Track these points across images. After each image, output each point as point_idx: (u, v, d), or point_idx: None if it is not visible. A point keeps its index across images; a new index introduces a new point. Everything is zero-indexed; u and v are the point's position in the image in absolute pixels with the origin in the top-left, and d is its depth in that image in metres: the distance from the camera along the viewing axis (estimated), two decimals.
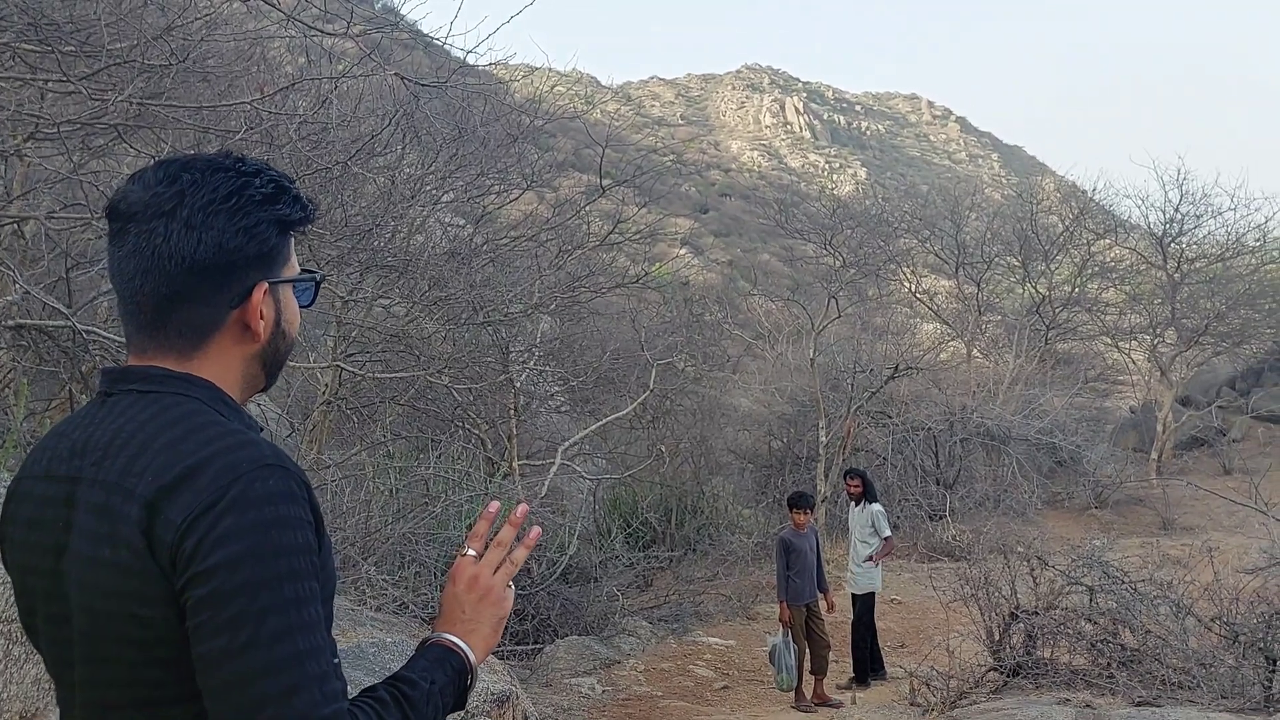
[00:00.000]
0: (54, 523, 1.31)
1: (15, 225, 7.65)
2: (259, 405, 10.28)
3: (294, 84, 7.40)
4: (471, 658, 1.46)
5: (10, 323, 6.76)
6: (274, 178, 1.40)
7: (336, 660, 1.26)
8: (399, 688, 1.34)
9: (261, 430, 1.39)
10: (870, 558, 8.96)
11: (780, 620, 8.12)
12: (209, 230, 1.32)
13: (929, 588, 10.10)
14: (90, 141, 7.45)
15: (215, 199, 1.33)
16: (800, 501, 8.36)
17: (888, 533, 9.01)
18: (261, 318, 1.39)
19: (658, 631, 10.31)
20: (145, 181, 1.36)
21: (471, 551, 1.55)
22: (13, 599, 1.44)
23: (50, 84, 5.58)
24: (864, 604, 8.94)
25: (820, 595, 8.26)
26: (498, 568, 1.53)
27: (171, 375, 1.34)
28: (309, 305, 1.50)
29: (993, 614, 7.47)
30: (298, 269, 1.47)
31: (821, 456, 16.07)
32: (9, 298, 7.02)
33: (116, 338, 6.76)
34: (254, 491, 1.21)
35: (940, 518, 16.53)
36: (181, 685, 1.24)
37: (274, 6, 4.86)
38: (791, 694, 8.12)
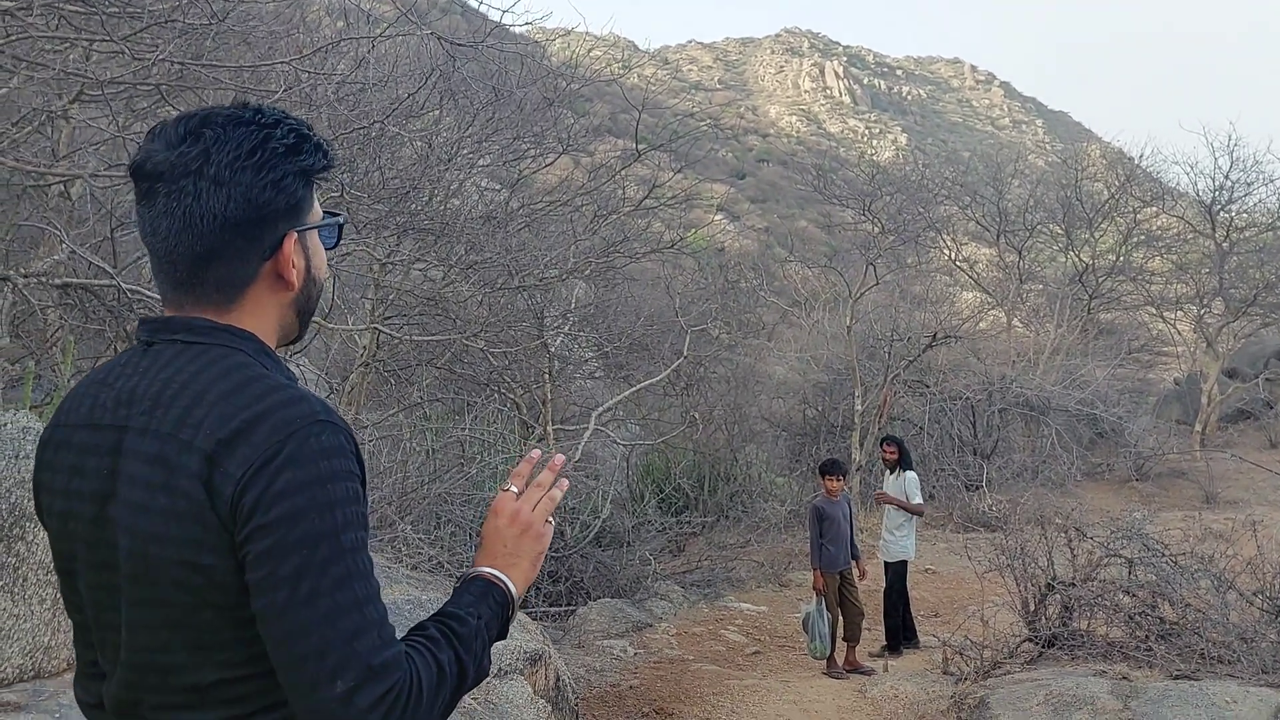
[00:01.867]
0: (97, 470, 1.33)
1: (62, 186, 7.73)
2: (298, 366, 10.38)
3: (332, 44, 7.39)
4: (513, 590, 1.49)
5: (57, 281, 6.86)
6: (293, 127, 1.40)
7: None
8: (448, 624, 1.38)
9: (297, 382, 1.41)
10: (902, 527, 8.90)
11: (814, 588, 8.12)
12: (237, 186, 1.33)
13: (964, 558, 10.06)
14: (134, 104, 7.51)
15: (240, 154, 1.34)
16: (832, 469, 8.34)
17: (918, 499, 8.97)
18: (293, 266, 1.41)
19: (689, 596, 10.36)
20: (168, 139, 1.36)
21: (514, 488, 1.58)
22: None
23: (94, 45, 5.62)
24: (897, 572, 8.92)
25: (853, 563, 8.25)
26: (536, 505, 1.56)
27: (216, 327, 1.36)
28: (333, 247, 1.52)
29: (1029, 585, 7.41)
30: (320, 213, 1.48)
31: (857, 425, 16.00)
32: (56, 257, 7.12)
33: (159, 297, 6.83)
34: (309, 447, 1.25)
35: (977, 488, 16.43)
36: (233, 630, 1.27)
37: None
38: (824, 661, 8.14)
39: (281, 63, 6.27)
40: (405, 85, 9.38)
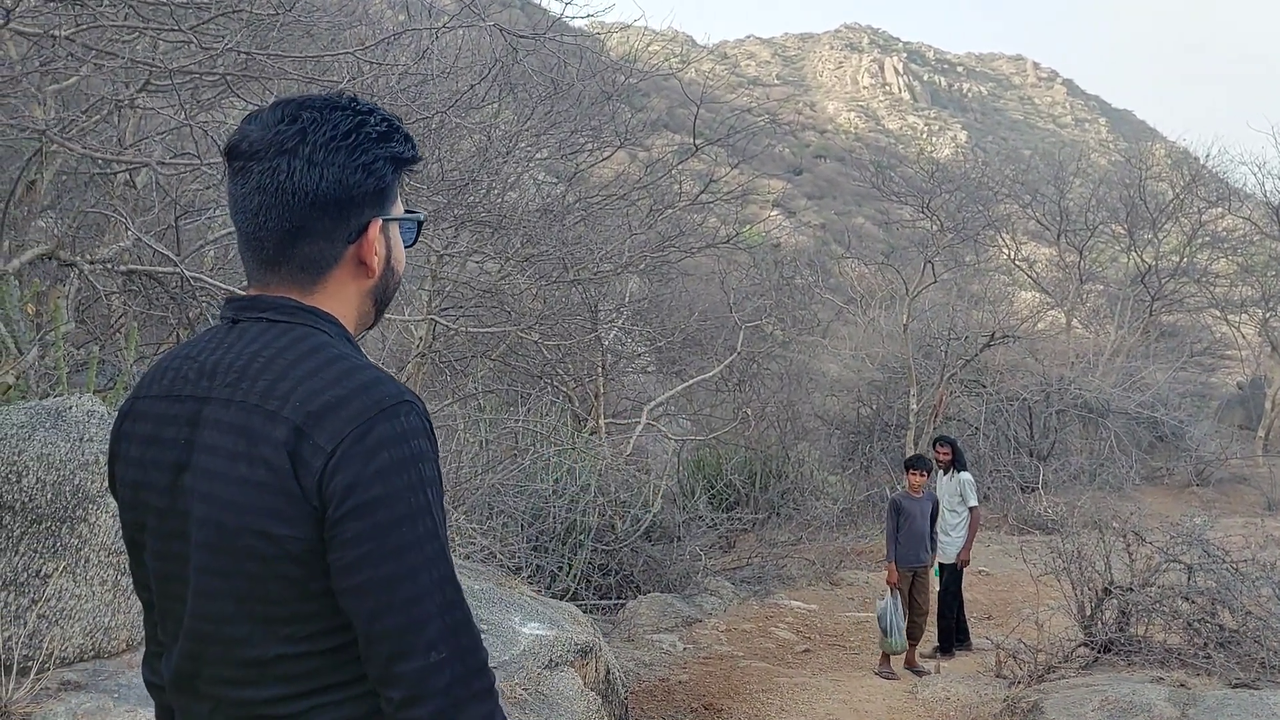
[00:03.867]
0: (174, 440, 1.36)
1: (127, 174, 7.89)
2: None
3: (394, 36, 7.47)
4: None
5: (122, 268, 7.01)
6: (386, 117, 1.43)
7: None
8: None
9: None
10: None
11: (888, 582, 8.07)
12: (331, 166, 1.36)
13: (1019, 560, 9.90)
14: (199, 94, 7.64)
15: (336, 135, 1.37)
16: (917, 464, 8.26)
17: (974, 502, 8.84)
18: (376, 254, 1.43)
19: (740, 593, 10.33)
20: (264, 121, 1.39)
21: None
22: (120, 530, 1.49)
23: (161, 34, 5.73)
24: (951, 573, 8.82)
25: (931, 555, 8.23)
26: None
27: (302, 307, 1.39)
28: (411, 245, 1.53)
29: (1085, 589, 7.28)
30: (403, 209, 1.50)
31: (912, 424, 15.85)
32: (121, 244, 7.27)
33: (222, 285, 6.96)
34: (399, 426, 1.29)
35: (1033, 490, 16.18)
36: (300, 603, 1.29)
37: None
38: (901, 656, 8.06)
39: (345, 54, 6.34)
40: (465, 78, 9.44)
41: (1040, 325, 24.16)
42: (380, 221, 1.43)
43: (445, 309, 11.98)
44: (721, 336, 15.51)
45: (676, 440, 14.30)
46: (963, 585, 9.03)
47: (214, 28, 5.62)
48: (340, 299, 1.43)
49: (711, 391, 16.46)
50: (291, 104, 1.40)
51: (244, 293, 1.43)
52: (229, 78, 5.55)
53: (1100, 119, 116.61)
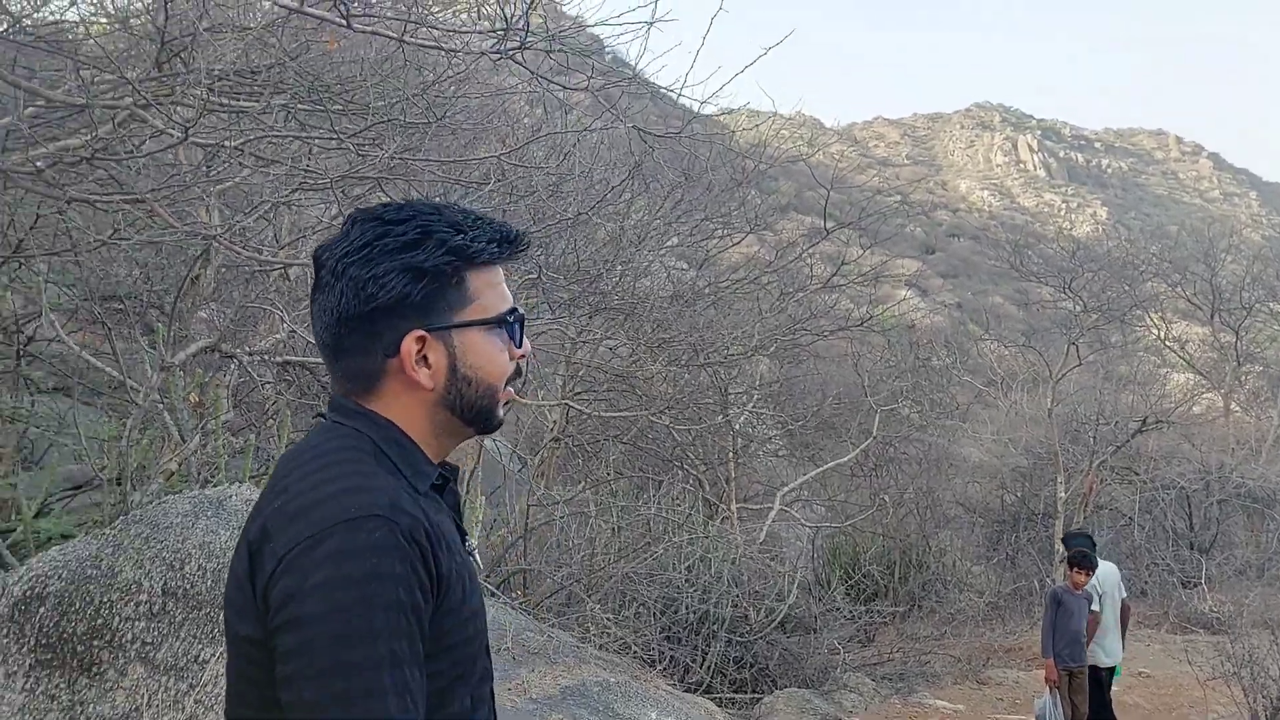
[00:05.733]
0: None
1: (283, 269, 8.32)
2: (493, 440, 10.69)
3: (535, 138, 7.73)
4: None
5: (278, 359, 7.36)
6: (423, 224, 1.35)
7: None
8: None
9: (441, 479, 1.40)
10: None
11: (1046, 680, 7.66)
12: (345, 281, 1.33)
13: (1182, 662, 9.27)
14: (349, 190, 8.04)
15: (351, 249, 1.34)
16: (1082, 562, 7.83)
17: (1095, 605, 8.24)
18: (429, 366, 1.36)
19: (881, 690, 9.93)
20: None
21: None
22: None
23: (318, 141, 6.05)
24: (1095, 678, 8.27)
25: (1083, 663, 7.77)
26: None
27: (358, 411, 1.36)
28: (519, 343, 1.43)
29: (1258, 696, 6.77)
30: (498, 307, 1.40)
31: (1060, 513, 15.16)
32: (277, 336, 7.65)
33: None
34: (359, 540, 1.19)
35: (1194, 585, 15.18)
36: (261, 707, 1.26)
37: (521, 64, 5.09)
38: None
39: (488, 157, 6.58)
40: (600, 172, 9.69)
41: (1196, 409, 22.93)
42: (421, 333, 1.34)
43: (578, 393, 12.13)
44: (856, 420, 15.24)
45: (811, 527, 14.02)
46: (1117, 689, 8.48)
47: (368, 132, 5.92)
48: (402, 408, 1.37)
49: (846, 477, 16.12)
50: (350, 218, 1.41)
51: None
52: (378, 179, 5.82)
53: (1250, 193, 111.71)
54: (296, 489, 1.26)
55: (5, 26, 4.76)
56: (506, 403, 1.45)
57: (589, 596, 7.54)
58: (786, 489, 13.72)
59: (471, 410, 1.40)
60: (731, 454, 13.47)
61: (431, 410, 1.38)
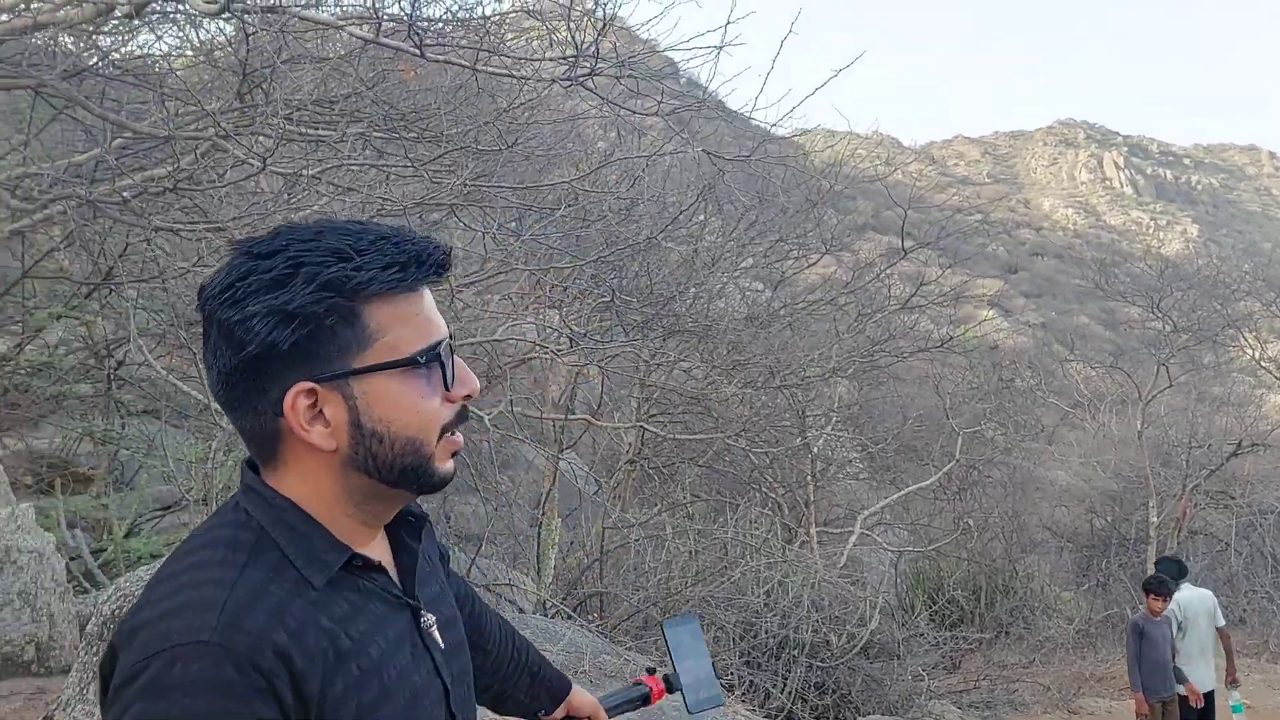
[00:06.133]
0: None
1: None
2: (568, 462, 10.73)
3: (607, 163, 7.80)
4: None
5: None
6: (294, 256, 1.11)
7: None
8: None
9: (359, 560, 1.17)
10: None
11: (1137, 715, 7.39)
12: (215, 327, 1.12)
13: None
14: (426, 215, 8.18)
15: (216, 290, 1.12)
16: (1157, 588, 7.55)
17: (1221, 621, 7.94)
18: (326, 423, 1.12)
19: (967, 717, 9.68)
20: None
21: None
22: None
23: (394, 168, 6.18)
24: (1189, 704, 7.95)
25: (1184, 685, 7.48)
26: None
27: (253, 488, 1.16)
28: (450, 383, 1.16)
29: None
30: (412, 344, 1.13)
31: (1153, 539, 14.66)
32: None
33: None
34: (169, 676, 1.01)
35: None
36: None
37: (592, 91, 5.12)
38: None
39: (561, 183, 6.65)
40: (673, 195, 9.71)
41: None
42: (307, 385, 1.10)
43: (653, 415, 12.12)
44: (938, 442, 15.00)
45: (893, 551, 13.78)
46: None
47: (446, 161, 6.02)
48: (302, 476, 1.15)
49: (929, 500, 15.84)
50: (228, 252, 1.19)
51: None
52: (452, 205, 5.91)
53: None
54: (145, 598, 1.08)
55: (96, 60, 4.95)
56: (455, 453, 1.20)
57: (664, 620, 7.49)
58: (867, 512, 13.53)
59: (392, 471, 1.15)
60: (810, 477, 13.33)
61: (341, 475, 1.14)
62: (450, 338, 1.19)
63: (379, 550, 1.23)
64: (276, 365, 1.10)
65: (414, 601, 1.24)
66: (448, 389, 1.16)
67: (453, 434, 1.18)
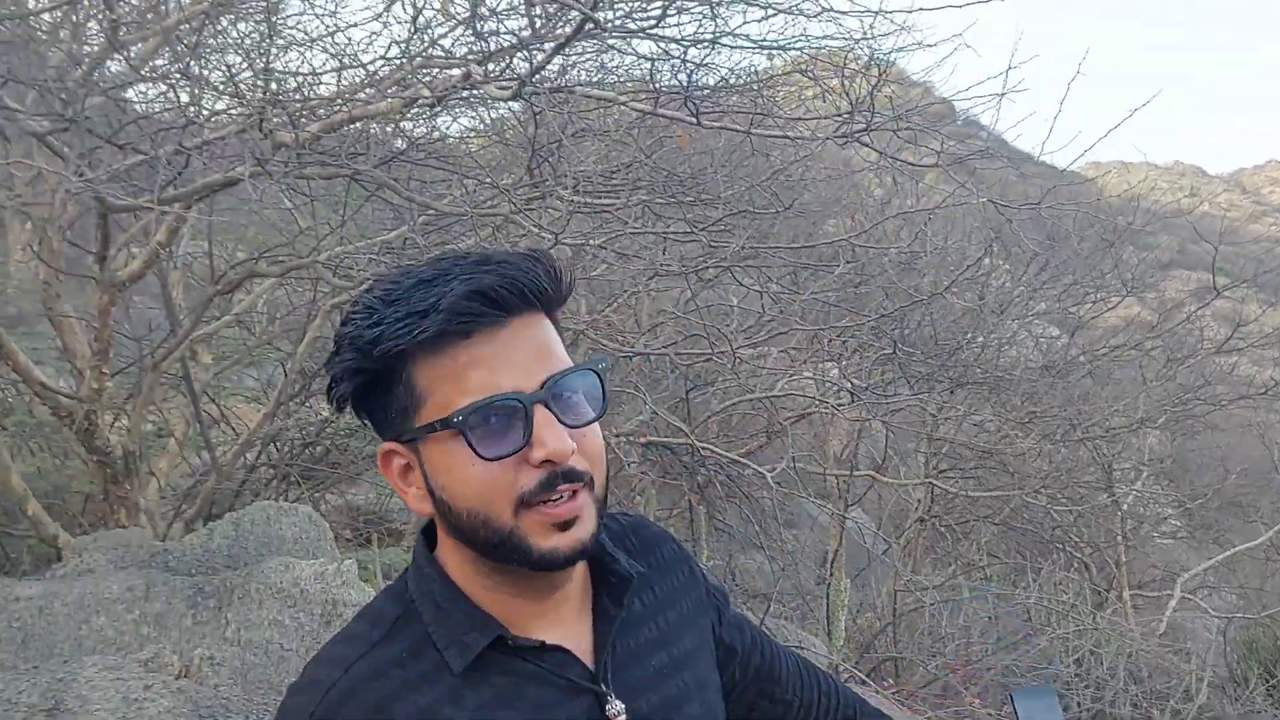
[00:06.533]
0: None
1: (645, 355, 8.78)
2: (854, 520, 10.54)
3: (884, 219, 7.71)
4: None
5: (642, 440, 7.70)
6: (347, 317, 1.05)
7: None
8: None
9: (513, 642, 1.05)
10: None
11: None
12: None
13: None
14: (703, 274, 8.39)
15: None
16: None
17: None
18: (413, 485, 1.05)
19: None
20: None
21: None
22: None
23: (673, 234, 6.38)
24: None
25: None
26: None
27: (417, 552, 1.12)
28: (484, 449, 0.99)
29: None
30: (454, 404, 0.99)
31: None
32: (640, 417, 8.04)
33: (726, 454, 7.40)
34: None
35: None
36: None
37: (869, 145, 5.07)
38: None
39: (837, 241, 6.63)
40: (955, 238, 9.43)
41: None
42: (389, 446, 1.05)
43: (943, 470, 11.70)
44: (1267, 498, 13.62)
45: (1221, 618, 12.53)
46: None
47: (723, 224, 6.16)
48: (443, 542, 1.09)
49: (1261, 561, 14.31)
50: None
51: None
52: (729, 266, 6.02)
53: None
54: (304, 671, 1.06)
55: (405, 145, 5.45)
56: (566, 526, 1.01)
57: (966, 689, 7.13)
58: (1188, 575, 12.45)
59: (478, 544, 1.02)
60: (1120, 536, 12.46)
61: (455, 543, 1.06)
62: (548, 382, 1.01)
63: (563, 627, 1.10)
64: (383, 426, 1.05)
65: (597, 687, 1.08)
66: (484, 454, 0.98)
67: (546, 504, 1.00)
